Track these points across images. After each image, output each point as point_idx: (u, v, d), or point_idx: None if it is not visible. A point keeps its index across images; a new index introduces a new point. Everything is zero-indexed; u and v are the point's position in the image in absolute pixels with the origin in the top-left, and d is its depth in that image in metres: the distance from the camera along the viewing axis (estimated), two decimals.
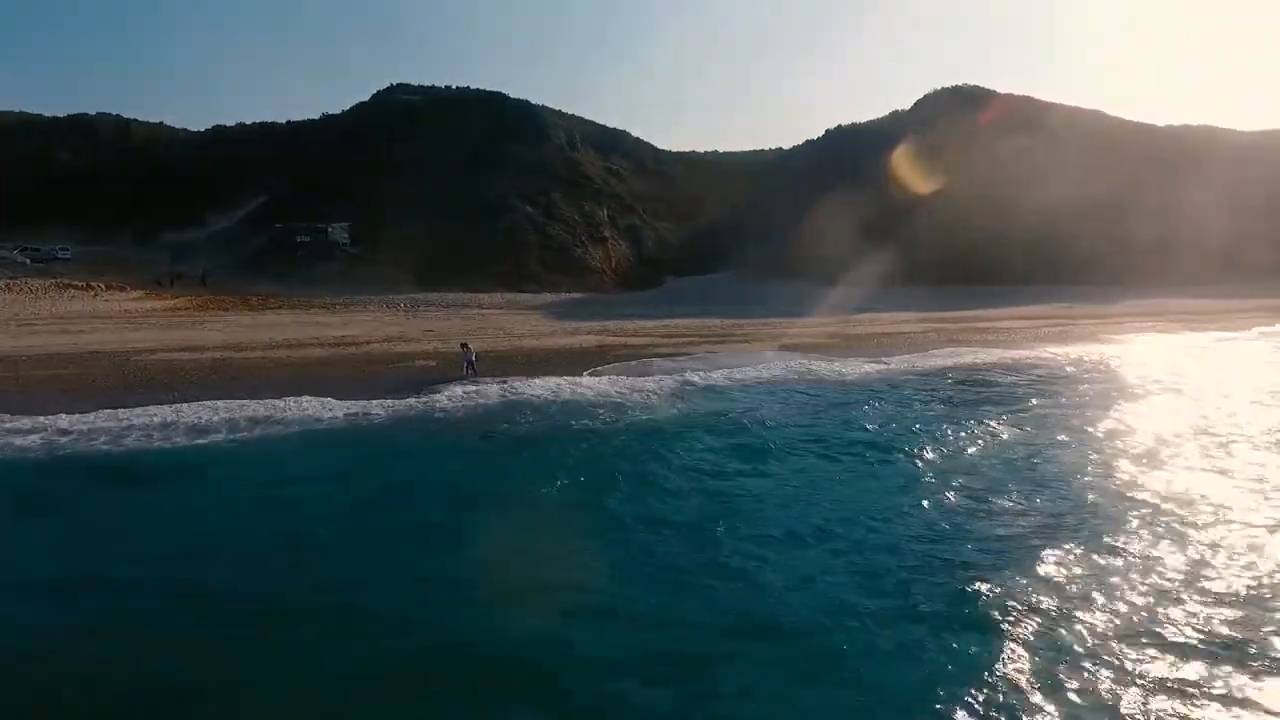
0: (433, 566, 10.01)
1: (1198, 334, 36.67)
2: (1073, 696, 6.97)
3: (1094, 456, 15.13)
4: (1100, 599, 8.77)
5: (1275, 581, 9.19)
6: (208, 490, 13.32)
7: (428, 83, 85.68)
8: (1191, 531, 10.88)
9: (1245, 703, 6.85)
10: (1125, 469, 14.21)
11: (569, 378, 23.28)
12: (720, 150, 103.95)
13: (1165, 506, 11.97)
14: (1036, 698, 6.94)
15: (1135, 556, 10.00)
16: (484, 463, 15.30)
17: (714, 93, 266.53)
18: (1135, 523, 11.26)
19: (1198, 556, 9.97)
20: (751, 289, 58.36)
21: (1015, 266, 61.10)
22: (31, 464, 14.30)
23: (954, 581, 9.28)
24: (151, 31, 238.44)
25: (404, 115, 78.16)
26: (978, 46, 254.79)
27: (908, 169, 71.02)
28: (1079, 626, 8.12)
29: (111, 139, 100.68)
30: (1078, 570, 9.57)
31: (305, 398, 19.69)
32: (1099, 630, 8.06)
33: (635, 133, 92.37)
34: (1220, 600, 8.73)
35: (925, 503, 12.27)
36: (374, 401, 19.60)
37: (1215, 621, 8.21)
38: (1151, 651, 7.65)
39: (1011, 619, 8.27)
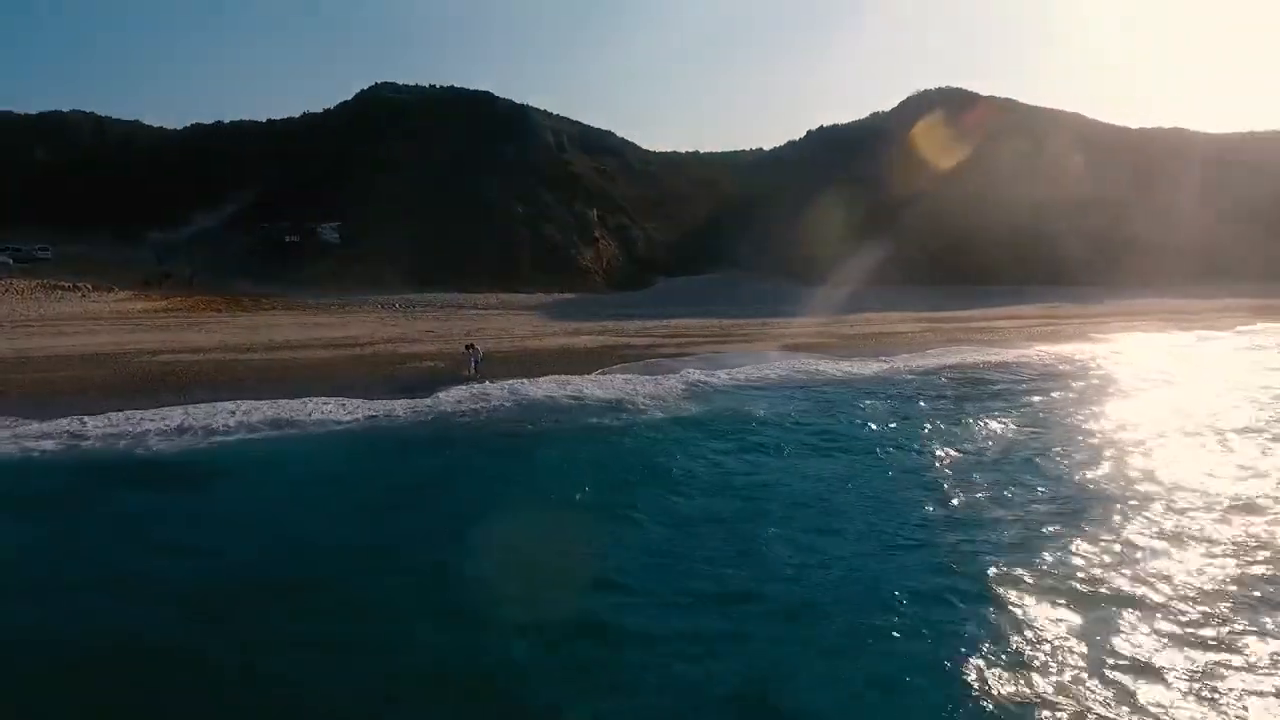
0: (484, 564, 10.21)
1: (1183, 333, 37.73)
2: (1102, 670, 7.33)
3: (1100, 449, 15.81)
4: (1109, 580, 9.27)
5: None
6: (245, 491, 13.38)
7: (405, 81, 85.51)
8: (1207, 519, 11.41)
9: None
10: (1130, 460, 14.94)
11: (581, 376, 23.50)
12: (700, 151, 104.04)
13: (1176, 494, 12.58)
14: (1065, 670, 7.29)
15: (1150, 541, 10.49)
16: (519, 462, 15.44)
17: (691, 93, 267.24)
18: (1156, 509, 11.79)
19: (1210, 541, 10.49)
20: (743, 289, 58.77)
21: (1001, 268, 62.11)
22: (58, 467, 14.22)
23: (981, 564, 9.71)
24: (122, 29, 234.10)
25: (391, 114, 77.50)
26: (958, 49, 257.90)
27: (894, 170, 71.84)
28: (1099, 601, 8.54)
29: (87, 137, 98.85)
30: (1094, 552, 10.09)
31: (322, 399, 19.72)
32: (1118, 604, 8.55)
33: (618, 133, 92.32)
34: (1223, 588, 9.16)
35: (952, 496, 12.72)
36: (393, 402, 19.69)
37: (1221, 601, 8.64)
38: (1160, 625, 8.10)
39: (1039, 594, 8.65)
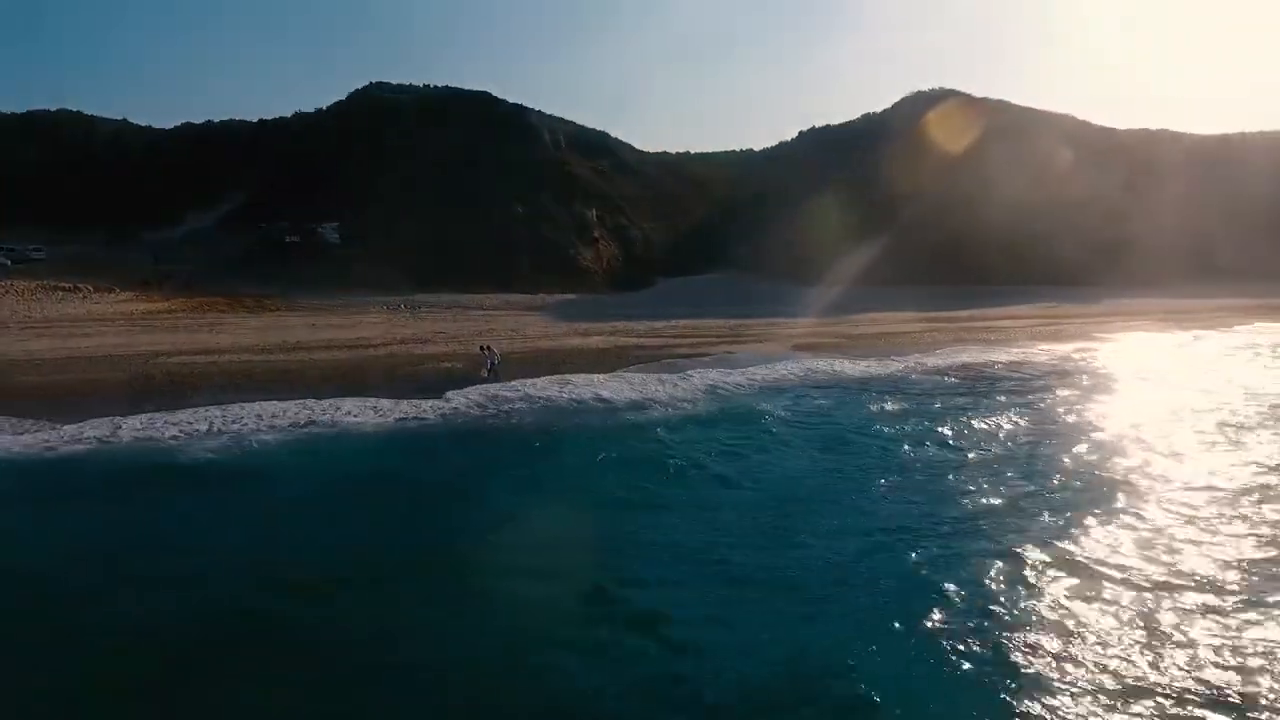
0: (543, 555, 10.41)
1: (1183, 332, 38.37)
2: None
3: (1125, 442, 16.18)
4: (1144, 562, 9.64)
5: None
6: (299, 490, 13.43)
7: (393, 80, 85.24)
8: (1229, 510, 11.80)
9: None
10: (1155, 451, 15.26)
11: (602, 376, 23.68)
12: (691, 151, 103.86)
13: (1197, 485, 12.98)
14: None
15: (1179, 531, 10.86)
16: (559, 461, 15.54)
17: (681, 94, 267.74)
18: (1185, 500, 12.16)
19: (1232, 534, 10.84)
20: (743, 289, 59.14)
21: (998, 268, 62.74)
22: (97, 469, 14.14)
23: (1037, 552, 10.03)
24: (105, 28, 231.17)
25: (387, 114, 77.31)
26: (952, 50, 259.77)
27: (890, 170, 72.45)
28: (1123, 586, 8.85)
29: (76, 136, 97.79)
30: (1134, 537, 10.47)
31: (352, 400, 19.78)
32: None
33: (610, 133, 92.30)
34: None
35: (991, 486, 13.10)
36: (421, 402, 19.78)
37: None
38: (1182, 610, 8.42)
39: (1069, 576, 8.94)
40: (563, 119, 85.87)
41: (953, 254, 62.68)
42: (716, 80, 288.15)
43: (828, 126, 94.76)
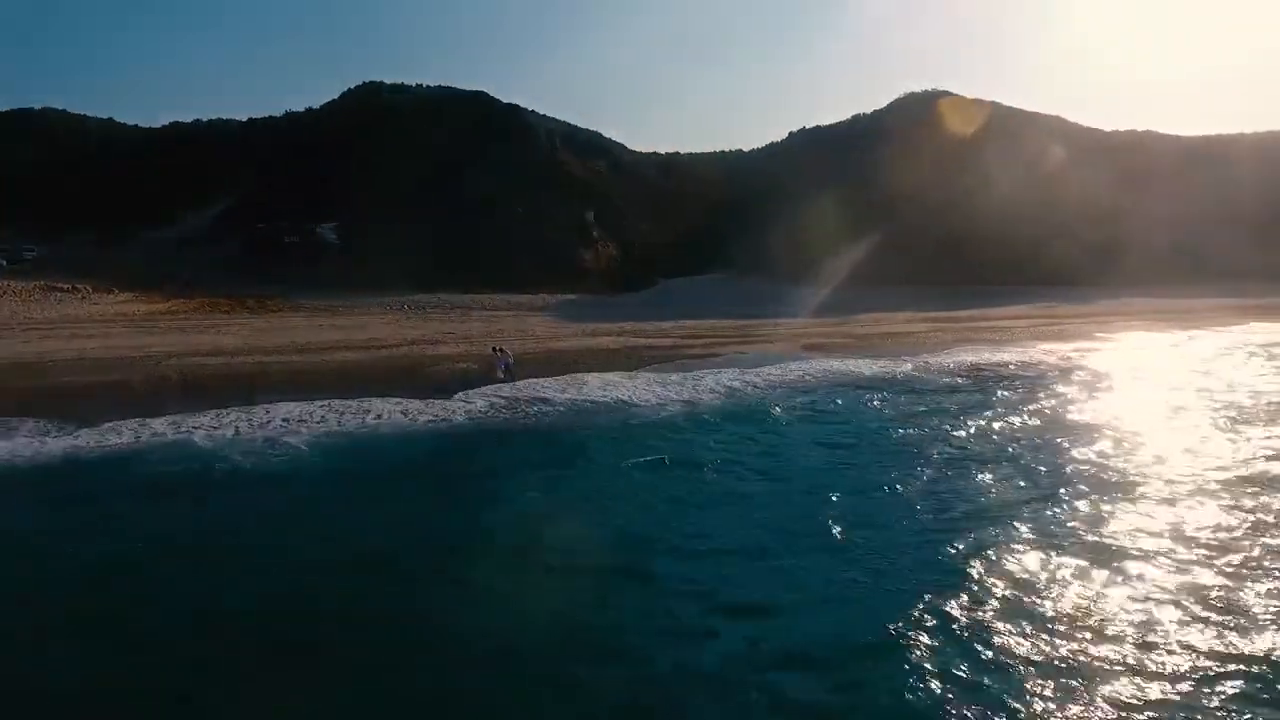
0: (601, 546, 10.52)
1: (1180, 331, 38.93)
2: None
3: (1149, 435, 16.52)
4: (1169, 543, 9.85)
5: None
6: (356, 488, 13.50)
7: (381, 78, 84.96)
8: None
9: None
10: (1177, 447, 15.63)
11: (621, 376, 23.77)
12: (681, 152, 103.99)
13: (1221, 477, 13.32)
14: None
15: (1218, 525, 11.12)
16: (598, 459, 15.53)
17: (669, 95, 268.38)
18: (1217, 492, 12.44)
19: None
20: (743, 289, 59.42)
21: (994, 268, 63.44)
22: (138, 472, 14.03)
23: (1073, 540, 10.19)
24: (87, 25, 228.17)
25: (383, 114, 76.97)
26: (944, 51, 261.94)
27: (885, 171, 73.02)
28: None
29: (64, 135, 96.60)
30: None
31: (378, 400, 19.75)
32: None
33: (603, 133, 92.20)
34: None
35: (1022, 478, 13.35)
36: (447, 402, 19.79)
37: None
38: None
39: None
40: (554, 119, 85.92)
41: (949, 254, 63.33)
42: (706, 80, 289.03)
43: (821, 127, 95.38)
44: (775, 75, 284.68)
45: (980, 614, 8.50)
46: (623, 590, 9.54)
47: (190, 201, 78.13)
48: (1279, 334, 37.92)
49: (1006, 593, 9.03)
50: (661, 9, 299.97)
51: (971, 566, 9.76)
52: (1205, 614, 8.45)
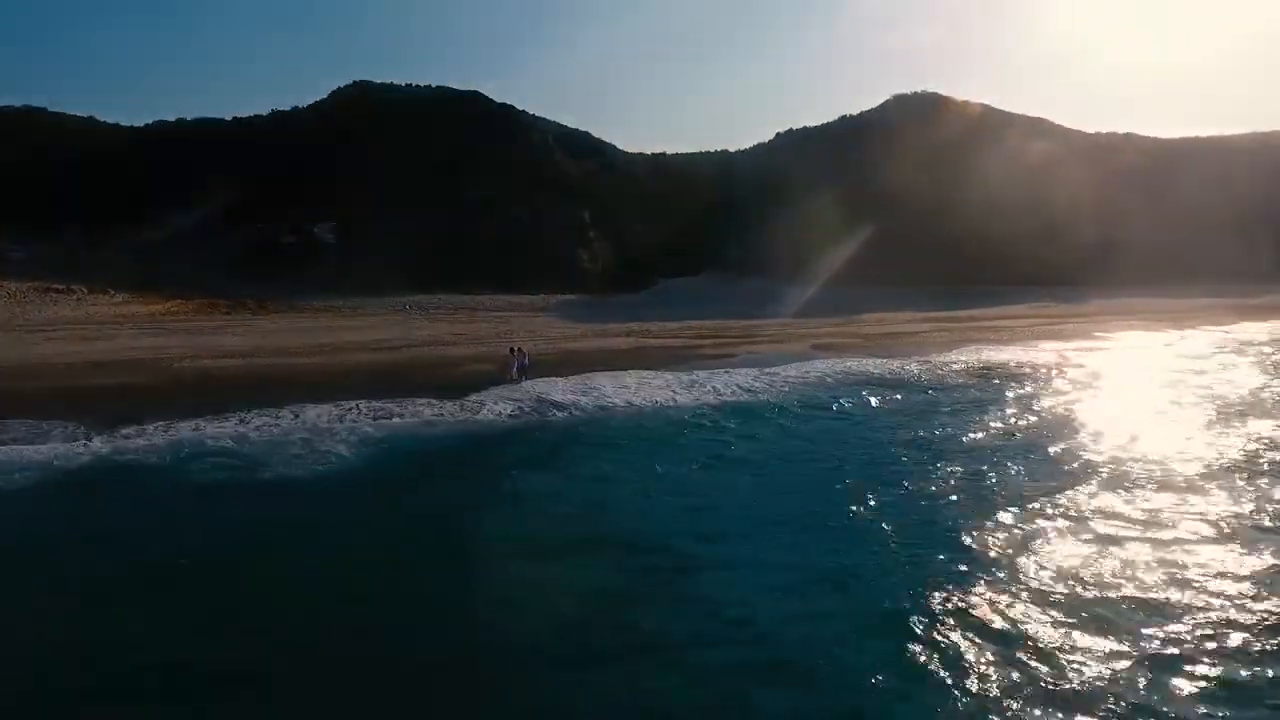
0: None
1: (1176, 330, 39.69)
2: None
3: (1143, 433, 16.93)
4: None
5: None
6: (424, 483, 13.69)
7: (366, 78, 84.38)
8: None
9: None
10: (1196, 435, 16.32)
11: (638, 376, 23.87)
12: (668, 152, 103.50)
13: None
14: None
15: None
16: (658, 458, 15.40)
17: (657, 94, 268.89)
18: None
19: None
20: (743, 290, 59.67)
21: (985, 268, 64.21)
22: (181, 476, 13.82)
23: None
24: (64, 22, 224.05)
25: (375, 114, 76.36)
26: (934, 52, 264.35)
27: (878, 172, 73.67)
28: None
29: (46, 134, 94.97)
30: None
31: (405, 401, 19.68)
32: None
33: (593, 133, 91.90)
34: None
35: (1051, 468, 13.76)
36: (478, 402, 19.79)
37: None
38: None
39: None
40: (546, 119, 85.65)
41: (945, 255, 64.03)
42: (693, 80, 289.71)
43: (809, 127, 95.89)
44: (761, 75, 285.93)
45: (1014, 591, 8.72)
46: (727, 577, 9.63)
47: (177, 201, 77.06)
48: (1269, 332, 38.91)
49: (1033, 568, 9.27)
50: (649, 9, 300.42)
51: (1012, 546, 10.06)
52: (1206, 589, 8.87)
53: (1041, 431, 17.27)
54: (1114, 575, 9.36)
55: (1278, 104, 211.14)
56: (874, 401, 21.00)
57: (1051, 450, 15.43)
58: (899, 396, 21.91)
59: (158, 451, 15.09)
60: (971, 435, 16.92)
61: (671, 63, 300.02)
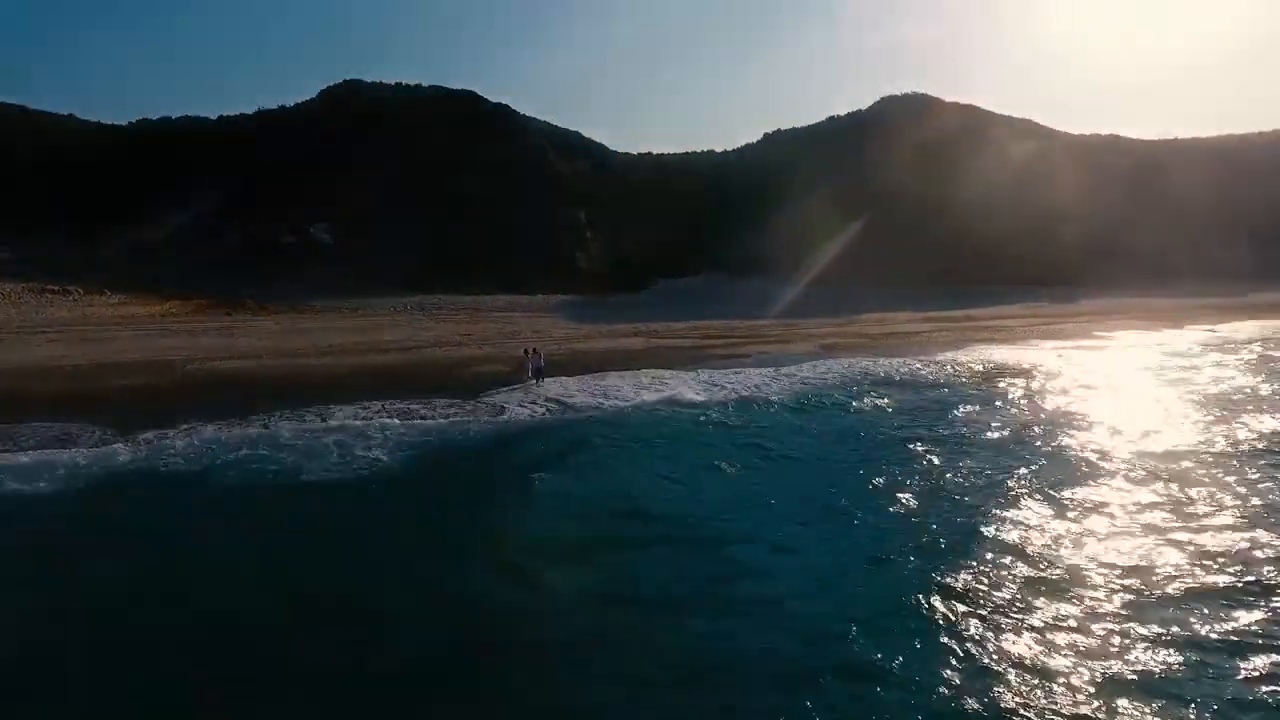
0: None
1: (1173, 329, 40.32)
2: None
3: (1145, 427, 17.38)
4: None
5: None
6: (465, 496, 13.65)
7: (357, 77, 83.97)
8: None
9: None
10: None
11: (659, 374, 23.96)
12: (653, 152, 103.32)
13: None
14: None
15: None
16: (700, 455, 15.60)
17: (639, 95, 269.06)
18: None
19: None
20: (742, 290, 59.87)
21: (977, 269, 64.85)
22: (214, 481, 13.63)
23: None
24: (48, 25, 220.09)
25: (369, 113, 75.82)
26: (925, 54, 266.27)
27: (871, 172, 74.20)
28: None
29: (23, 132, 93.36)
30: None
31: (428, 402, 19.63)
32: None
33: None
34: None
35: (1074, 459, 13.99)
36: (507, 405, 19.76)
37: None
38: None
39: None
40: (538, 119, 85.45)
41: (938, 255, 64.69)
42: (677, 81, 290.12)
43: (802, 128, 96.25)
44: (751, 77, 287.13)
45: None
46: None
47: (167, 201, 76.03)
48: (1259, 331, 39.71)
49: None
50: (639, 10, 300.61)
51: (1056, 540, 10.29)
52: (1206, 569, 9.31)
53: (1059, 427, 17.49)
54: (1129, 560, 9.71)
55: (1263, 106, 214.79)
56: (893, 400, 21.15)
57: (1070, 445, 15.80)
58: (915, 395, 22.12)
59: (191, 456, 14.93)
60: (989, 434, 17.09)
61: (658, 63, 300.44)
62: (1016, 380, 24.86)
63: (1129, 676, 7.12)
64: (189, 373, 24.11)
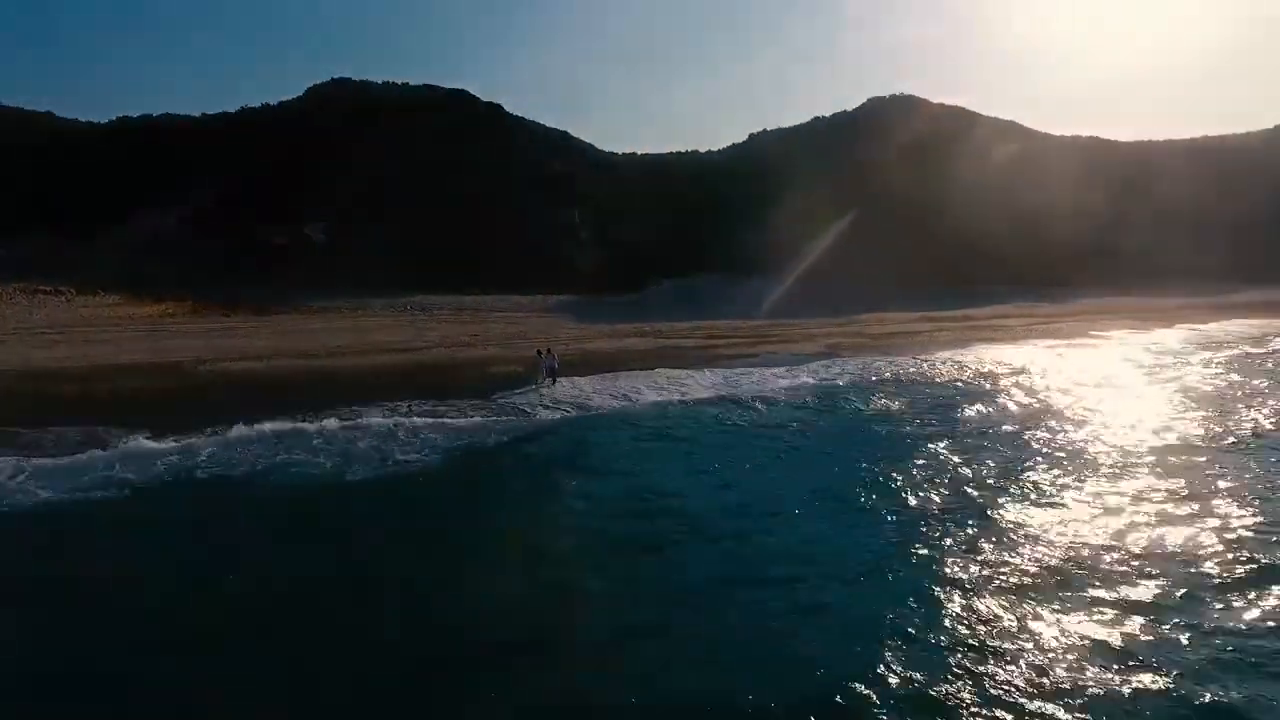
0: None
1: (1167, 329, 41.05)
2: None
3: (1145, 422, 17.97)
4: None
5: None
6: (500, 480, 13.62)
7: (344, 75, 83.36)
8: None
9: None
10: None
11: (672, 373, 24.11)
12: (638, 153, 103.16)
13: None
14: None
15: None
16: (738, 451, 15.91)
17: (626, 95, 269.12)
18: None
19: None
20: (739, 290, 60.12)
21: (971, 269, 65.63)
22: (253, 486, 13.59)
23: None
24: (30, 24, 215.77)
25: (358, 112, 75.14)
26: (917, 55, 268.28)
27: (864, 173, 74.76)
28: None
29: (9, 130, 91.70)
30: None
31: (454, 403, 19.65)
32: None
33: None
34: None
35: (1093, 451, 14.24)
36: (527, 406, 19.82)
37: None
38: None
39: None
40: (530, 119, 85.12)
41: (934, 256, 65.23)
42: (665, 81, 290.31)
43: (788, 128, 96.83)
44: (740, 76, 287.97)
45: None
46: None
47: (155, 200, 74.99)
48: (1246, 329, 40.63)
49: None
50: (632, 11, 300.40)
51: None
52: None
53: (1067, 423, 17.99)
54: (1130, 544, 10.25)
55: (1247, 106, 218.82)
56: (905, 399, 21.43)
57: (1079, 438, 16.36)
58: (926, 393, 22.44)
59: (227, 459, 14.81)
60: (1002, 429, 17.57)
61: (646, 64, 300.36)
62: (1020, 379, 25.26)
63: (1142, 663, 7.48)
64: (202, 374, 23.92)
